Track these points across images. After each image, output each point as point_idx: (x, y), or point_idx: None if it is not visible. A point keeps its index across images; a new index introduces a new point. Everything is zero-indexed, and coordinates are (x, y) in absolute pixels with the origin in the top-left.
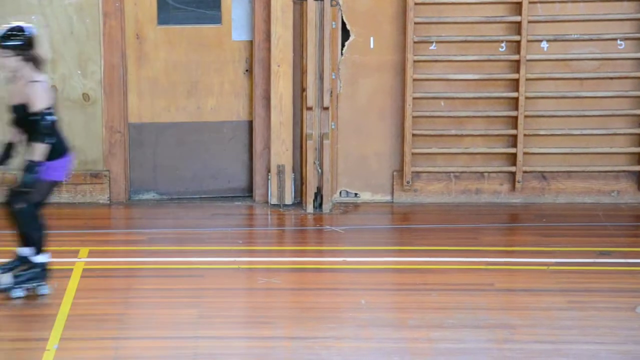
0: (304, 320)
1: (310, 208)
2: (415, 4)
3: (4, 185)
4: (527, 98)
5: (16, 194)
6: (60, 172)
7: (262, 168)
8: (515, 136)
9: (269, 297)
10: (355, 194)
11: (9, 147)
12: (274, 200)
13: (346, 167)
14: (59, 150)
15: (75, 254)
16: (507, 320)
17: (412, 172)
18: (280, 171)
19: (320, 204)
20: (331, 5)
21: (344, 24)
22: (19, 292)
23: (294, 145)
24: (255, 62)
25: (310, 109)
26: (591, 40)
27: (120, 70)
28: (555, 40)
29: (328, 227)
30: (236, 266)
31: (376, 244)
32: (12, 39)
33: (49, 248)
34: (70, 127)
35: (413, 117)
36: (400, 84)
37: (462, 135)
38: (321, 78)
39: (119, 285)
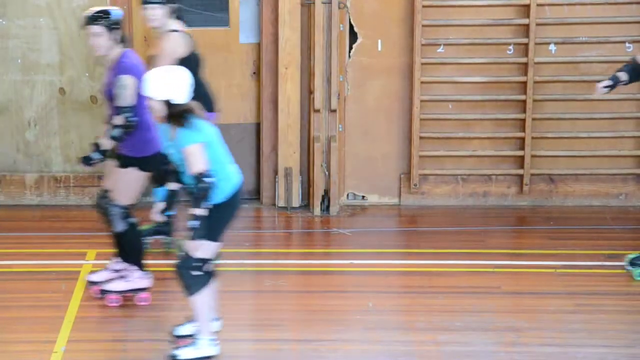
0: (311, 323)
1: (317, 210)
2: (423, 6)
3: None
4: (535, 101)
5: None
6: None
7: (270, 170)
8: (523, 139)
9: (276, 299)
10: (363, 197)
11: None
12: (281, 203)
13: (353, 169)
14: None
15: (82, 256)
16: (514, 323)
17: (420, 174)
18: (288, 174)
19: (328, 207)
20: (339, 8)
21: (351, 26)
22: None
23: (301, 147)
24: (262, 64)
25: (317, 111)
26: (599, 42)
27: None
28: (563, 43)
29: (335, 229)
30: (243, 269)
31: (383, 246)
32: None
33: (56, 250)
34: (78, 129)
35: (420, 119)
36: (407, 86)
37: (469, 138)
38: (329, 80)
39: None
